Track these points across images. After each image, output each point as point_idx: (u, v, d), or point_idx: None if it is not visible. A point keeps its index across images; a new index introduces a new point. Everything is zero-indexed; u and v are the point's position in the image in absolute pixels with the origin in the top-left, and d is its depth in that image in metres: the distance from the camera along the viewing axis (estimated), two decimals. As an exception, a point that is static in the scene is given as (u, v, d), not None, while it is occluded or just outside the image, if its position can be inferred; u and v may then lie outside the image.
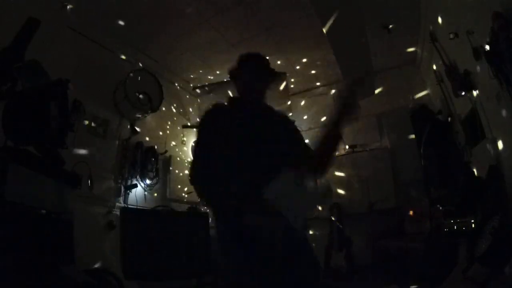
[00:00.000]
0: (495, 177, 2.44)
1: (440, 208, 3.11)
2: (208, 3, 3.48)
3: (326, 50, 4.15)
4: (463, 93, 2.94)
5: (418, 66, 4.64)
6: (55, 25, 3.11)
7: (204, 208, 4.58)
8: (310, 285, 1.25)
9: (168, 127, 4.72)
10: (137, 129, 4.02)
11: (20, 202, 1.69)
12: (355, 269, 4.02)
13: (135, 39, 4.08)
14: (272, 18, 3.72)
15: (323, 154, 1.38)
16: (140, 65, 4.22)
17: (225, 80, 4.95)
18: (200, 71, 4.86)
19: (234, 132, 1.32)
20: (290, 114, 4.76)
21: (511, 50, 1.88)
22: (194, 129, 5.24)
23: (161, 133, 4.56)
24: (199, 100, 5.44)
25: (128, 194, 3.74)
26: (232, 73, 1.52)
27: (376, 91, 4.44)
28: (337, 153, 1.40)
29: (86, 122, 3.43)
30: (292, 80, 5.09)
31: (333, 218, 4.42)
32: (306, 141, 1.58)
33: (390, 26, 3.82)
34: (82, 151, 3.28)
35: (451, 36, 2.81)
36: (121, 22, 3.69)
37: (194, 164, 1.37)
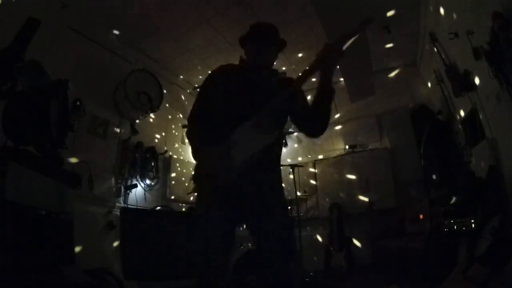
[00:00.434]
0: (495, 177, 2.43)
1: (440, 208, 3.11)
2: (208, 3, 3.48)
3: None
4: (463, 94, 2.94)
5: (418, 66, 4.64)
6: (55, 25, 3.11)
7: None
8: (271, 220, 1.33)
9: (168, 127, 4.72)
10: (137, 129, 4.03)
11: (20, 202, 1.69)
12: (355, 268, 4.02)
13: (135, 39, 4.08)
14: (272, 18, 3.71)
15: (318, 113, 1.40)
16: (140, 65, 4.22)
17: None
18: (200, 71, 4.86)
19: (227, 85, 1.49)
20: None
21: (511, 50, 1.88)
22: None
23: (161, 133, 4.56)
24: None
25: (128, 194, 3.74)
26: (241, 40, 1.61)
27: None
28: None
29: (86, 122, 3.43)
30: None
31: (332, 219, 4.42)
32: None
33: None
34: (82, 151, 3.28)
35: (451, 36, 2.82)
36: (122, 22, 3.69)
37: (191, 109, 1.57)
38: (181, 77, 5.05)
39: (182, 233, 3.13)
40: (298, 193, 4.27)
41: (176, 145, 4.84)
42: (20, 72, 2.01)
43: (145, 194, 3.97)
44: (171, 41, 4.11)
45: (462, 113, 3.26)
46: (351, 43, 1.27)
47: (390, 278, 3.13)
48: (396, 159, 4.57)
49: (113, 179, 3.65)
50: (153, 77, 4.16)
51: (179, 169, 4.62)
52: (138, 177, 3.89)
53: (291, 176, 4.02)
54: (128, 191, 3.74)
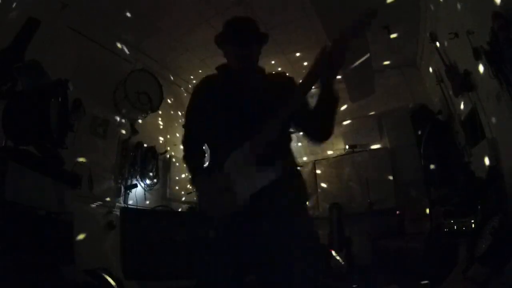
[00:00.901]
0: (495, 177, 2.44)
1: (440, 208, 3.11)
2: (208, 3, 3.48)
3: (326, 50, 4.15)
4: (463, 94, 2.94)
5: (418, 66, 4.64)
6: (55, 25, 3.11)
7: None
8: None
9: (168, 127, 4.72)
10: (137, 129, 4.02)
11: (20, 202, 1.69)
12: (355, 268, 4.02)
13: (135, 39, 4.08)
14: (272, 18, 3.72)
15: (322, 121, 1.25)
16: (140, 65, 4.22)
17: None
18: (200, 71, 4.85)
19: (210, 102, 1.35)
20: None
21: (511, 50, 1.88)
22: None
23: (161, 133, 4.56)
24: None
25: (128, 194, 3.74)
26: (216, 40, 1.39)
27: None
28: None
29: (86, 122, 3.43)
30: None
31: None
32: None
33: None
34: (82, 151, 3.28)
35: (451, 36, 2.82)
36: (122, 22, 3.69)
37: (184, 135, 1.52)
38: (181, 77, 5.05)
39: (182, 233, 3.13)
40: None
41: (176, 145, 4.84)
42: (20, 72, 2.01)
43: (145, 194, 3.97)
44: (171, 41, 4.11)
45: (462, 113, 3.26)
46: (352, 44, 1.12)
47: (390, 278, 3.13)
48: (396, 159, 4.58)
49: (113, 179, 3.65)
50: (153, 77, 4.16)
51: (179, 169, 4.62)
52: (138, 177, 3.89)
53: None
54: (128, 191, 3.73)
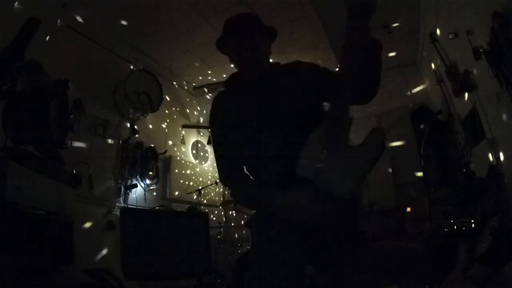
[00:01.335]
0: (495, 177, 2.44)
1: (440, 208, 3.11)
2: (208, 3, 3.48)
3: (326, 50, 4.15)
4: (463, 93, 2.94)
5: (418, 66, 4.64)
6: (55, 25, 3.11)
7: (203, 208, 4.59)
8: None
9: (168, 127, 4.72)
10: (137, 129, 4.03)
11: (20, 202, 1.69)
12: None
13: (135, 39, 4.08)
14: (272, 18, 3.71)
15: (365, 74, 1.02)
16: (140, 65, 4.22)
17: (224, 80, 4.95)
18: (200, 71, 4.86)
19: (235, 116, 1.18)
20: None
21: (511, 50, 1.88)
22: (194, 129, 5.26)
23: (161, 133, 4.56)
24: (198, 102, 5.45)
25: (128, 194, 3.74)
26: (219, 45, 1.27)
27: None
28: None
29: (86, 122, 3.43)
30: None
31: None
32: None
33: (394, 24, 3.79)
34: (82, 151, 3.28)
35: (451, 36, 2.82)
36: (122, 22, 3.70)
37: (217, 164, 1.25)
38: (181, 77, 5.05)
39: (182, 233, 3.13)
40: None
41: (176, 145, 4.84)
42: (20, 72, 2.01)
43: (145, 194, 3.97)
44: (171, 41, 4.11)
45: (462, 113, 3.26)
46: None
47: (390, 278, 3.13)
48: (396, 159, 4.57)
49: (113, 179, 3.65)
50: (153, 77, 4.17)
51: (179, 169, 4.62)
52: (138, 177, 3.89)
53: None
54: (128, 191, 3.74)
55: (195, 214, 3.92)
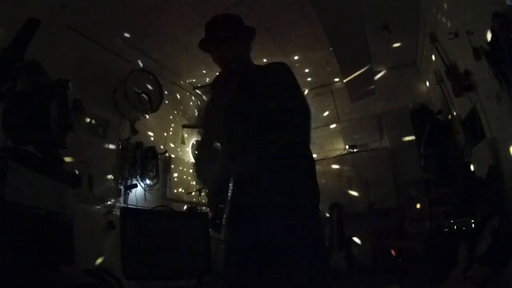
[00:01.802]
0: (495, 177, 2.44)
1: (440, 208, 3.12)
2: (208, 3, 3.48)
3: (326, 50, 4.15)
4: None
5: (418, 66, 4.65)
6: (55, 25, 3.11)
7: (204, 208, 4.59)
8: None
9: (168, 127, 4.72)
10: (137, 129, 4.02)
11: (20, 202, 1.69)
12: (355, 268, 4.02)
13: (135, 39, 4.08)
14: (272, 18, 3.72)
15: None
16: (140, 65, 4.22)
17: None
18: (200, 71, 4.86)
19: (210, 111, 1.33)
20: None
21: (511, 50, 1.88)
22: (194, 129, 5.25)
23: (161, 133, 4.56)
24: (199, 102, 5.45)
25: (128, 194, 3.74)
26: (200, 46, 1.35)
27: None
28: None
29: (86, 122, 3.43)
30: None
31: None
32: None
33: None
34: (82, 151, 3.27)
35: (451, 36, 2.82)
36: (122, 22, 3.70)
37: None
38: (181, 77, 5.05)
39: (182, 233, 3.13)
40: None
41: (176, 145, 4.84)
42: (20, 72, 2.01)
43: (145, 194, 3.97)
44: (171, 41, 4.11)
45: (462, 113, 3.26)
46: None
47: (390, 278, 3.13)
48: (396, 159, 4.58)
49: (113, 179, 3.65)
50: (153, 77, 4.16)
51: (179, 169, 4.62)
52: (138, 177, 3.89)
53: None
54: (128, 191, 3.73)
55: (195, 214, 3.93)
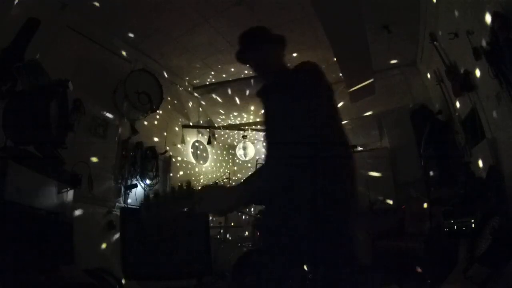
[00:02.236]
0: (495, 177, 2.43)
1: (440, 208, 3.11)
2: (208, 3, 3.48)
3: (326, 50, 4.15)
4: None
5: (418, 66, 4.64)
6: (55, 25, 3.11)
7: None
8: None
9: (168, 127, 4.72)
10: (137, 129, 4.02)
11: (20, 202, 1.69)
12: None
13: (135, 39, 4.08)
14: (272, 18, 3.71)
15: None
16: (140, 65, 4.22)
17: (224, 80, 4.96)
18: (200, 71, 4.86)
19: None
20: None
21: (511, 50, 1.88)
22: (194, 129, 5.26)
23: (161, 133, 4.56)
24: (198, 102, 5.45)
25: (128, 194, 3.74)
26: (236, 57, 1.46)
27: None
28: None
29: (86, 122, 3.43)
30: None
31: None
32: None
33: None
34: (82, 151, 3.27)
35: (451, 36, 2.81)
36: (122, 22, 3.70)
37: None
38: (181, 77, 5.05)
39: (182, 233, 3.13)
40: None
41: (176, 145, 4.84)
42: (20, 72, 2.01)
43: (145, 194, 3.97)
44: (171, 41, 4.11)
45: (462, 113, 3.25)
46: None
47: (390, 278, 3.13)
48: (396, 159, 4.57)
49: (113, 179, 3.65)
50: (153, 77, 4.16)
51: (179, 169, 4.62)
52: (138, 177, 3.89)
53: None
54: (128, 191, 3.74)
55: (195, 214, 3.92)
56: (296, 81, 1.29)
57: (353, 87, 4.40)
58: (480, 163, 2.84)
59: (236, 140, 5.93)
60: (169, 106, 4.75)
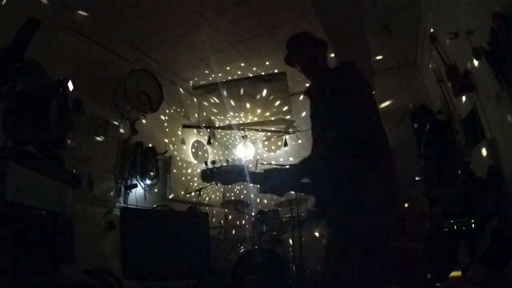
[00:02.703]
0: (495, 177, 2.44)
1: (440, 208, 3.11)
2: (208, 3, 3.48)
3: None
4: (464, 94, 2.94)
5: (418, 66, 4.64)
6: (55, 25, 3.11)
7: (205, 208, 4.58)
8: None
9: (168, 127, 4.72)
10: (137, 129, 4.02)
11: (20, 202, 1.69)
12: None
13: (135, 39, 4.08)
14: (272, 18, 3.72)
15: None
16: (140, 65, 4.22)
17: (224, 80, 4.96)
18: (200, 71, 4.86)
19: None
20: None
21: (511, 50, 1.88)
22: (194, 129, 5.25)
23: (161, 133, 4.56)
24: (198, 102, 5.45)
25: (128, 194, 3.74)
26: (287, 62, 1.63)
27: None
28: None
29: (86, 122, 3.43)
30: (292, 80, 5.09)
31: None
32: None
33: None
34: (82, 151, 3.27)
35: (451, 36, 2.81)
36: (122, 22, 3.70)
37: None
38: (181, 77, 5.05)
39: (182, 233, 3.13)
40: (298, 193, 4.26)
41: (176, 145, 4.84)
42: (20, 72, 2.01)
43: (145, 194, 3.97)
44: (171, 41, 4.11)
45: (462, 113, 3.25)
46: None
47: (390, 278, 3.13)
48: (396, 159, 4.57)
49: (113, 179, 3.65)
50: (153, 77, 4.17)
51: (179, 169, 4.62)
52: (138, 177, 3.89)
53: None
54: (128, 191, 3.73)
55: (195, 214, 3.93)
56: (341, 80, 1.41)
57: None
58: (480, 163, 2.84)
59: (238, 141, 5.93)
60: (169, 106, 4.75)
